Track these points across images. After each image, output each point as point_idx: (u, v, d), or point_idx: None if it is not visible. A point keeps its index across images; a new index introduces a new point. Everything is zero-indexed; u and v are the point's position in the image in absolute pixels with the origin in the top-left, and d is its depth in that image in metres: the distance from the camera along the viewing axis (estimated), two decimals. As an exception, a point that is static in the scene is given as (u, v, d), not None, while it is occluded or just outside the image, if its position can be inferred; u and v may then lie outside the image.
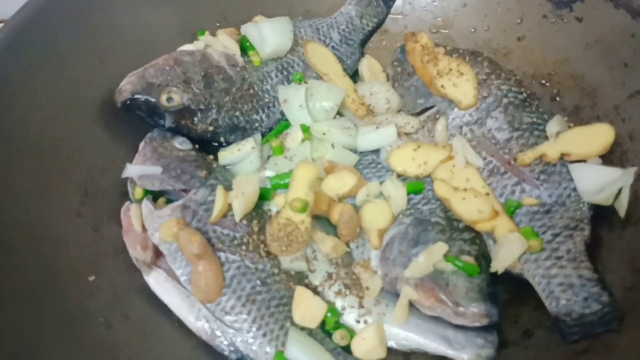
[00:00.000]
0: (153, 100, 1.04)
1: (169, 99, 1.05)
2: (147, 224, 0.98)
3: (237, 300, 0.91)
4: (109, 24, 1.10)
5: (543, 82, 1.18)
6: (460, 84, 1.07)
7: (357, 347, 0.91)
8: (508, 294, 0.98)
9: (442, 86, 1.07)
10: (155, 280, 0.96)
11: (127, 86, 1.04)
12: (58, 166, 0.99)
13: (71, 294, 0.90)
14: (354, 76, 1.25)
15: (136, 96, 1.03)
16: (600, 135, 1.00)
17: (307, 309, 0.91)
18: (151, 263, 0.97)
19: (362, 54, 1.28)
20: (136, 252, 0.96)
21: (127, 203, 1.02)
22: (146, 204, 1.00)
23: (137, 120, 1.07)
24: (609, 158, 1.01)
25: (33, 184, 0.94)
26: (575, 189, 0.98)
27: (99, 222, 1.00)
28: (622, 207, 0.96)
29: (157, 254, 0.97)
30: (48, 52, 1.02)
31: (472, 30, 1.27)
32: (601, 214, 0.98)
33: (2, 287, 0.84)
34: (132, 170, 1.03)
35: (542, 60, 1.19)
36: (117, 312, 0.92)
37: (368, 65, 1.25)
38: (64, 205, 0.97)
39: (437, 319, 0.92)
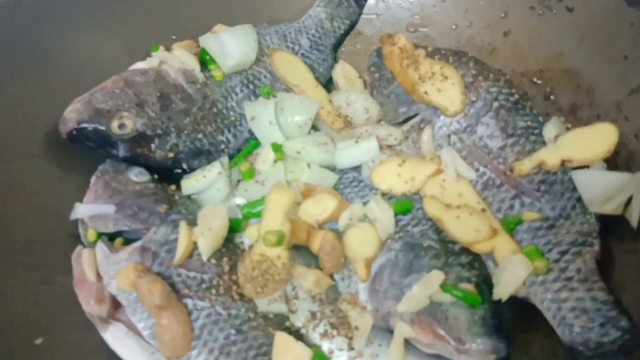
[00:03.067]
0: (103, 128, 0.97)
1: (121, 126, 0.98)
2: (102, 271, 0.89)
3: (209, 354, 0.83)
4: (48, 46, 1.03)
5: (535, 80, 1.13)
6: (445, 89, 1.01)
7: (349, 397, 0.84)
8: (514, 318, 0.91)
9: (426, 92, 1.01)
10: (114, 337, 0.88)
11: (72, 114, 0.96)
12: None
13: None
14: (328, 84, 1.20)
15: (83, 125, 0.96)
16: (603, 137, 0.93)
17: (290, 357, 0.84)
18: (109, 316, 0.88)
19: (336, 60, 1.23)
20: (90, 307, 0.87)
21: (78, 248, 0.94)
22: (101, 247, 0.91)
23: (87, 151, 0.99)
24: (614, 161, 0.96)
25: None
26: (580, 199, 0.93)
27: (47, 274, 0.91)
28: (634, 217, 0.89)
29: (115, 304, 0.89)
30: None
31: (454, 27, 1.22)
32: (610, 225, 0.92)
33: None
34: (81, 210, 0.94)
35: (532, 57, 1.14)
36: (72, 378, 0.83)
37: (342, 72, 1.21)
38: (5, 258, 0.88)
39: (437, 357, 0.85)
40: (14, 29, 0.99)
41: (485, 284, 0.88)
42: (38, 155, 0.98)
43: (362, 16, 1.26)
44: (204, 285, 0.87)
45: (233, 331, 0.84)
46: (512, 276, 0.87)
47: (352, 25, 1.26)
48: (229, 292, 0.87)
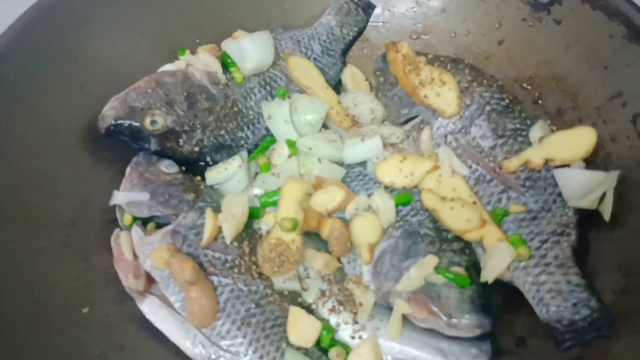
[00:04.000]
0: (137, 124, 1.03)
1: (153, 122, 1.04)
2: (138, 251, 0.97)
3: (232, 324, 0.91)
4: (86, 49, 1.08)
5: (525, 85, 1.17)
6: (443, 93, 1.06)
7: (353, 364, 0.91)
8: (501, 300, 0.99)
9: (425, 96, 1.07)
10: (150, 308, 0.95)
11: (110, 112, 1.02)
12: (41, 199, 0.98)
13: (64, 330, 0.89)
14: (337, 86, 1.25)
15: (119, 121, 1.02)
16: (582, 139, 1.00)
17: (302, 329, 0.91)
18: (144, 290, 0.96)
19: (344, 64, 1.27)
20: (128, 282, 0.95)
21: (116, 231, 1.01)
22: (136, 230, 0.99)
23: (121, 144, 1.06)
24: (592, 160, 1.02)
25: (17, 221, 0.93)
26: (560, 195, 0.99)
27: (88, 252, 0.99)
28: (606, 211, 0.96)
29: (150, 280, 0.97)
30: (24, 84, 1.00)
31: (453, 35, 1.26)
32: (588, 217, 0.99)
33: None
34: (119, 197, 1.02)
35: (524, 63, 1.18)
36: (113, 343, 0.91)
37: (351, 75, 1.25)
38: (50, 239, 0.96)
39: (431, 331, 0.93)
40: (55, 33, 1.04)
41: (474, 268, 0.95)
42: (76, 148, 1.05)
43: (369, 24, 1.30)
44: (227, 265, 0.94)
45: (253, 305, 0.92)
46: (497, 261, 0.94)
47: (360, 32, 1.29)
48: (249, 271, 0.94)
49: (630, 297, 0.90)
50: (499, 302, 0.99)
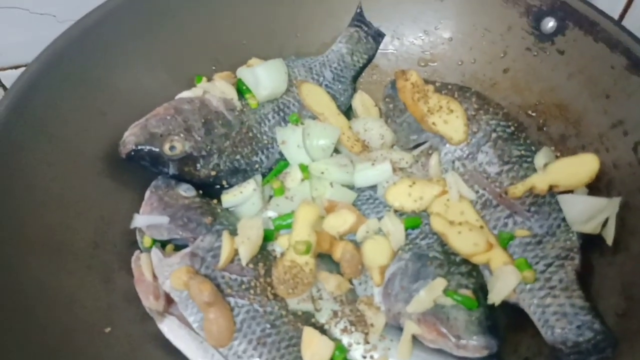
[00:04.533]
0: (156, 150, 1.05)
1: (172, 148, 1.06)
2: (157, 273, 1.00)
3: (248, 344, 0.94)
4: (108, 78, 1.11)
5: (530, 112, 1.20)
6: (450, 121, 1.10)
7: (365, 383, 0.94)
8: (507, 321, 1.01)
9: (434, 123, 1.10)
10: (169, 328, 0.98)
11: (130, 138, 1.05)
12: (65, 223, 1.00)
13: (87, 349, 0.92)
14: (348, 112, 1.28)
15: (140, 147, 1.05)
16: (586, 166, 1.03)
17: (315, 349, 0.93)
18: (164, 310, 0.99)
19: (355, 90, 1.30)
20: (149, 302, 0.98)
21: (137, 252, 1.04)
22: (155, 252, 1.01)
23: (140, 169, 1.09)
24: (596, 186, 1.04)
25: (43, 244, 0.96)
26: (564, 219, 1.02)
27: (109, 274, 1.02)
28: (609, 236, 0.99)
29: (169, 300, 1.00)
30: (49, 112, 1.03)
31: (459, 63, 1.29)
32: (591, 242, 1.01)
33: (19, 349, 0.86)
34: (140, 220, 1.05)
35: (529, 90, 1.21)
36: (134, 362, 0.95)
37: (361, 101, 1.27)
38: (74, 261, 0.99)
39: (440, 352, 0.95)
40: (79, 64, 1.07)
41: (481, 290, 0.97)
42: (98, 173, 1.07)
43: (379, 51, 1.34)
44: (243, 286, 0.96)
45: (268, 325, 0.94)
46: (504, 284, 0.96)
47: (370, 59, 1.32)
48: (264, 293, 0.97)
49: (631, 320, 0.92)
50: (505, 323, 1.01)
